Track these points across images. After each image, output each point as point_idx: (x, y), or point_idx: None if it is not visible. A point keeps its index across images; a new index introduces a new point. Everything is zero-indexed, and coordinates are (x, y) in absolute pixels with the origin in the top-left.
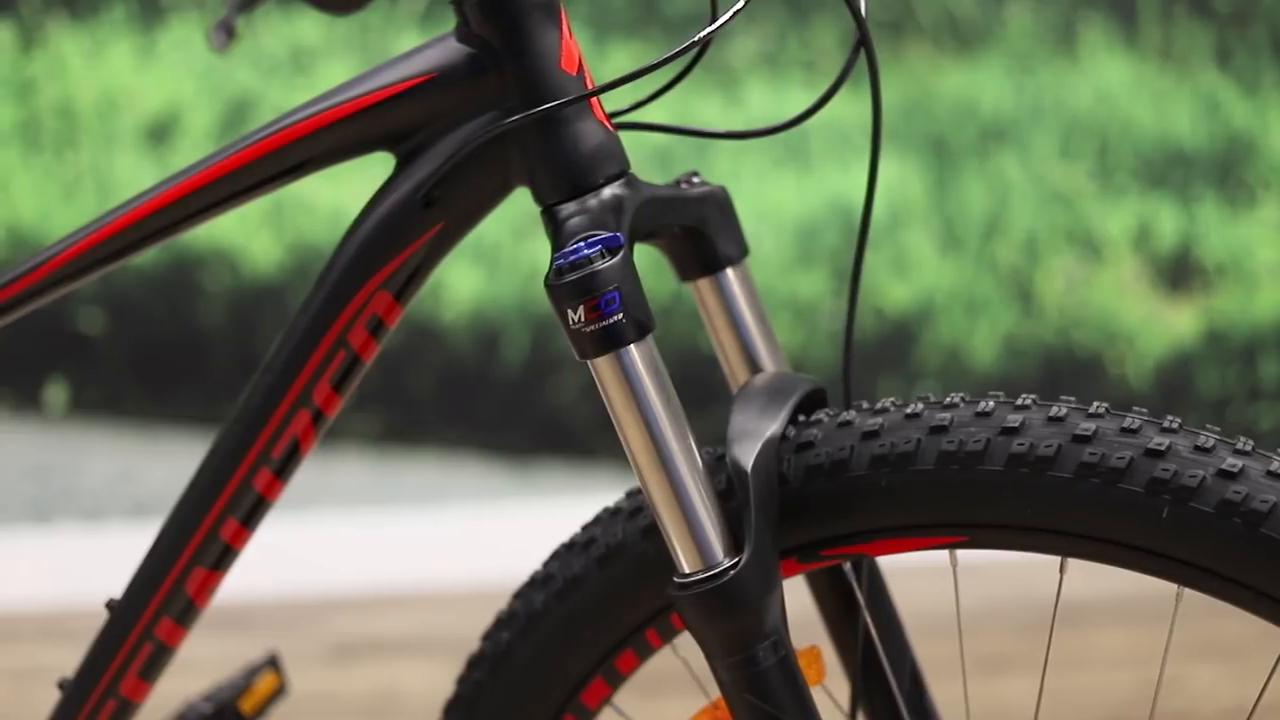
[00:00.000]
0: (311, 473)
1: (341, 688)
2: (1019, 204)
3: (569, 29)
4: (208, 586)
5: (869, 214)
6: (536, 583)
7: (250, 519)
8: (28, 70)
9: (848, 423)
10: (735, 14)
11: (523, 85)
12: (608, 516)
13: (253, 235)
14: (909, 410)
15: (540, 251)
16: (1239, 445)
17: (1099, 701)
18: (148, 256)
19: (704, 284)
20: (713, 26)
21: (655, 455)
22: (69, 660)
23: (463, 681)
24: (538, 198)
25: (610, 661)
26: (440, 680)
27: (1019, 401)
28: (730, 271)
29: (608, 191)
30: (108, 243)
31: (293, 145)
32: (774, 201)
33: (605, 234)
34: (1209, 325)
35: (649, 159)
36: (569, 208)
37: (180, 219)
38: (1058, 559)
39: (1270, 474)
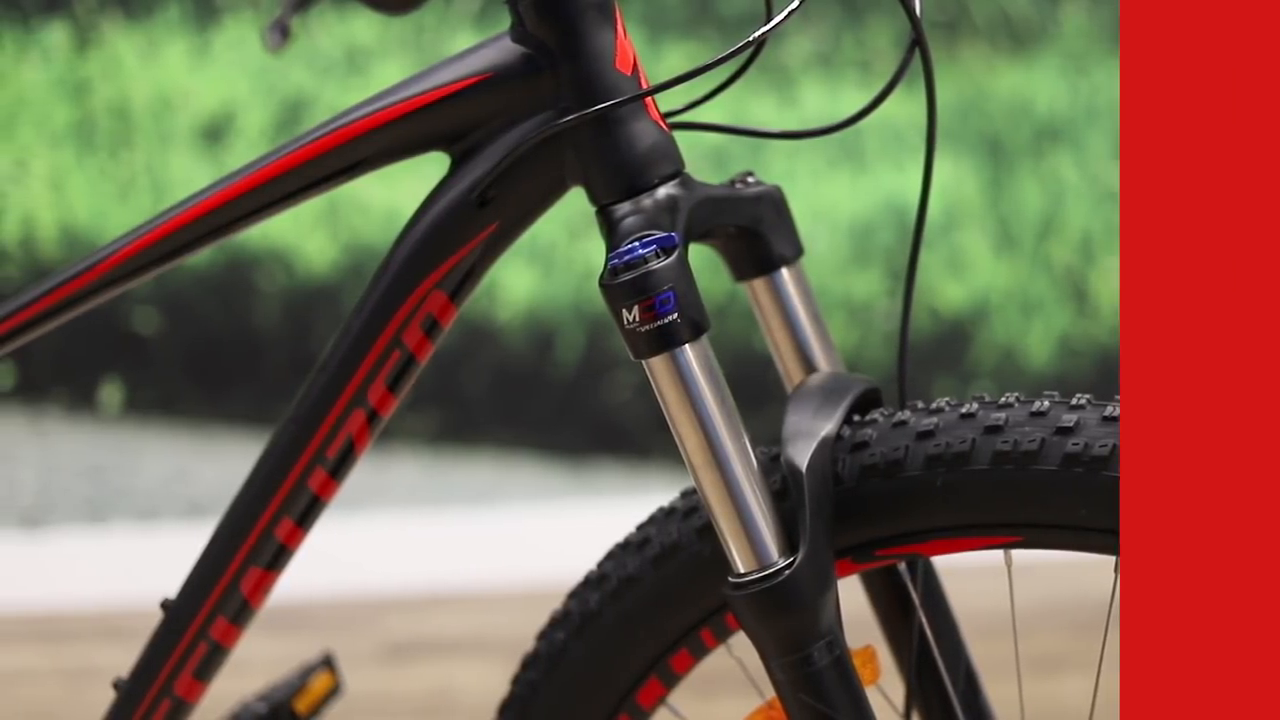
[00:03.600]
0: (366, 472)
1: (396, 687)
2: (1074, 204)
3: (624, 29)
4: (263, 586)
5: (924, 214)
6: (591, 583)
7: (305, 519)
8: (83, 70)
9: (903, 422)
10: (790, 14)
11: (577, 85)
12: (663, 516)
13: (307, 235)
14: (964, 410)
15: (595, 251)
16: None
17: None
18: (202, 256)
19: (759, 284)
20: (768, 26)
21: (710, 455)
22: (124, 660)
23: (517, 681)
24: (592, 198)
25: (665, 661)
26: (495, 680)
27: (1074, 401)
28: (785, 271)
29: (662, 191)
30: (162, 243)
31: (347, 145)
32: (829, 201)
33: (660, 234)
34: None
35: (704, 159)
36: (624, 208)
37: (235, 219)
38: (1113, 559)
39: None
